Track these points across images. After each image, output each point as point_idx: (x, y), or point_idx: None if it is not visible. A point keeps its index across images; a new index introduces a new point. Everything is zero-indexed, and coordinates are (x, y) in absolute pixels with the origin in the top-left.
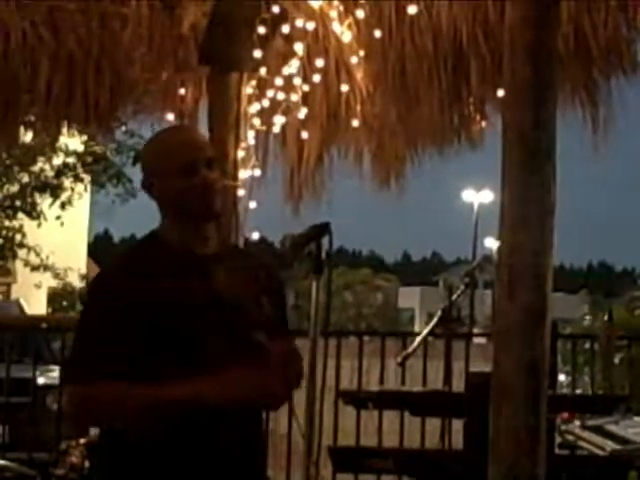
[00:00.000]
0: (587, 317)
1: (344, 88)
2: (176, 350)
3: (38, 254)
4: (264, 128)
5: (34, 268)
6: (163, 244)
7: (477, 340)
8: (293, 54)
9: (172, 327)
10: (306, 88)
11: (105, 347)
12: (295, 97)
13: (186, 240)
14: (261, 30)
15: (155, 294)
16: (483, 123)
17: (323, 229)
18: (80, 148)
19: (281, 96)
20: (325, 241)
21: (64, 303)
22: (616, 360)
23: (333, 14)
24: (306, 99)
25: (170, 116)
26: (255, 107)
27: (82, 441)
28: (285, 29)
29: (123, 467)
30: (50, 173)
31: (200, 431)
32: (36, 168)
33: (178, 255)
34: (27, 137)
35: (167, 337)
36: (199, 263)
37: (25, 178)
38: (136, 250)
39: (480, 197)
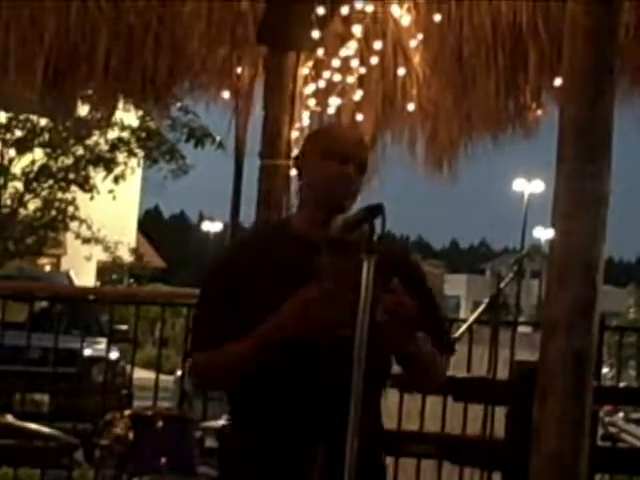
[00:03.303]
0: (631, 310)
1: (401, 71)
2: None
3: (89, 227)
4: (319, 109)
5: (85, 241)
6: (285, 228)
7: (522, 329)
8: (351, 36)
9: (270, 308)
10: (363, 70)
11: (212, 322)
12: (351, 79)
13: (307, 225)
14: (320, 10)
15: (259, 275)
16: (539, 112)
17: (376, 210)
18: (135, 123)
19: (337, 78)
20: (378, 222)
21: (113, 276)
22: None
23: None
24: (362, 81)
25: (226, 94)
26: (311, 88)
27: (127, 413)
28: (344, 10)
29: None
30: (104, 147)
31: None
32: (91, 142)
33: (291, 239)
34: (83, 110)
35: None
36: (309, 247)
37: (80, 151)
38: (258, 231)
39: (531, 187)
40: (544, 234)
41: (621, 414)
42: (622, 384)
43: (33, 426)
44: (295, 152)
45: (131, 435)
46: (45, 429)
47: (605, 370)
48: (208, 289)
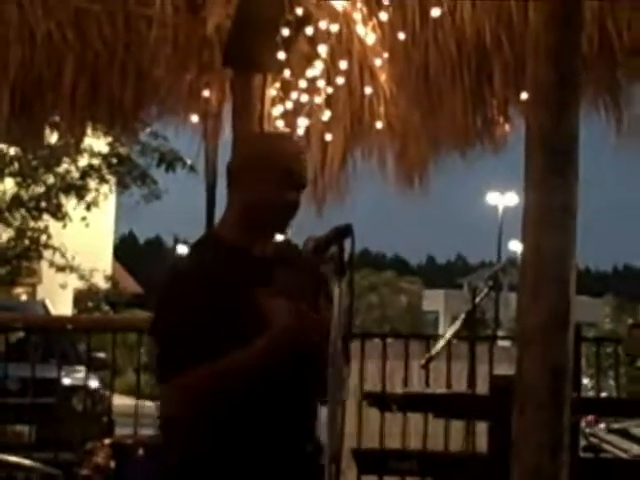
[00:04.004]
0: (607, 320)
1: (368, 90)
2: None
3: (63, 255)
4: (288, 130)
5: (59, 269)
6: (223, 244)
7: (501, 343)
8: (317, 56)
9: (236, 329)
10: (330, 90)
11: (184, 346)
12: (319, 99)
13: (246, 243)
14: (285, 32)
15: (221, 296)
16: (507, 126)
17: (345, 231)
18: (105, 149)
19: (305, 98)
20: (348, 243)
21: (89, 304)
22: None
23: (357, 16)
24: (330, 101)
25: (194, 117)
26: (279, 109)
27: (107, 442)
28: (309, 31)
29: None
30: (75, 174)
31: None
32: (61, 169)
33: (239, 257)
34: (52, 138)
35: (233, 339)
36: (260, 266)
37: (50, 179)
38: (199, 251)
39: (505, 200)
40: (520, 247)
41: (602, 425)
42: (603, 394)
43: (13, 458)
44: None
45: (112, 464)
46: (26, 461)
47: (585, 381)
48: (174, 318)
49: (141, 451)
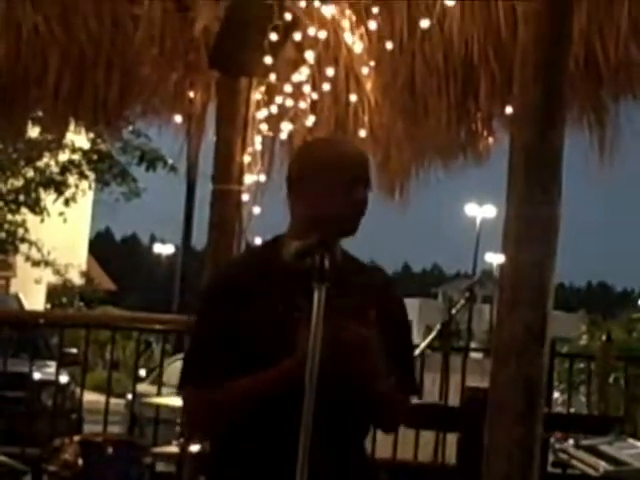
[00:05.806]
0: (584, 337)
1: (353, 98)
2: (274, 360)
3: (39, 249)
4: (271, 134)
5: (35, 263)
6: (278, 256)
7: (474, 355)
8: (303, 62)
9: (271, 341)
10: (315, 96)
11: (214, 352)
12: (303, 105)
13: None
14: (273, 37)
15: (260, 305)
16: (490, 139)
17: (328, 241)
18: (86, 145)
19: (289, 103)
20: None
21: (63, 299)
22: (611, 380)
23: (345, 24)
24: (314, 107)
25: (178, 118)
26: (263, 113)
27: (76, 438)
28: (297, 36)
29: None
30: (55, 169)
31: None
32: (41, 164)
33: (290, 268)
34: (34, 132)
35: (267, 350)
36: (307, 279)
37: (30, 173)
38: (253, 255)
39: (483, 211)
40: (496, 259)
41: (571, 441)
42: (572, 409)
43: None
44: (246, 177)
45: (80, 461)
46: None
47: (556, 395)
48: (203, 321)
49: (110, 449)
